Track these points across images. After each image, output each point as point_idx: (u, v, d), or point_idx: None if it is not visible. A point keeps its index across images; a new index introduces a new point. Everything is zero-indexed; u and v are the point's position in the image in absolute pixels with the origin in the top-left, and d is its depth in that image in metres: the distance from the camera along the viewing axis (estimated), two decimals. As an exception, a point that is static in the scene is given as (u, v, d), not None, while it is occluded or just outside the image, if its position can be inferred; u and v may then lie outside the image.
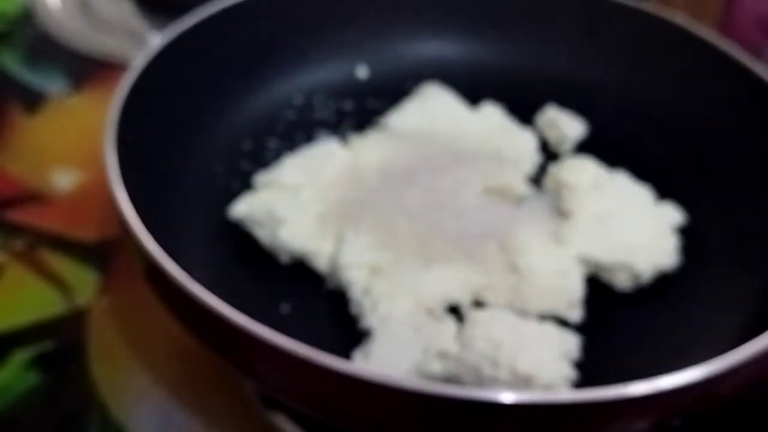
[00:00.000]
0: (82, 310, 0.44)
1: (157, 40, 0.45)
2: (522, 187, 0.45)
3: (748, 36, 0.50)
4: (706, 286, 0.41)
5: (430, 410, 0.31)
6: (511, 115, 0.49)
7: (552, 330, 0.39)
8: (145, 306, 0.39)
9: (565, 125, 0.49)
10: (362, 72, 0.52)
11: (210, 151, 0.46)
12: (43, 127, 0.55)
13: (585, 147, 0.49)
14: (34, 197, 0.50)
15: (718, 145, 0.46)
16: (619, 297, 0.42)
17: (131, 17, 0.62)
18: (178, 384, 0.41)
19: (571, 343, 0.38)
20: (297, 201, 0.43)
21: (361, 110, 0.50)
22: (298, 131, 0.49)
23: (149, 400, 0.41)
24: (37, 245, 0.47)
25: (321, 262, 0.41)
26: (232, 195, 0.44)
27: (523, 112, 0.50)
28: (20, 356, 0.42)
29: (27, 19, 0.63)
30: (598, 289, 0.41)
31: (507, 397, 0.30)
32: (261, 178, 0.45)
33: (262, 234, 0.42)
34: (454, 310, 0.40)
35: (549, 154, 0.49)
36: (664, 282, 0.42)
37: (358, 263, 0.40)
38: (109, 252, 0.47)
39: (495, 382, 0.36)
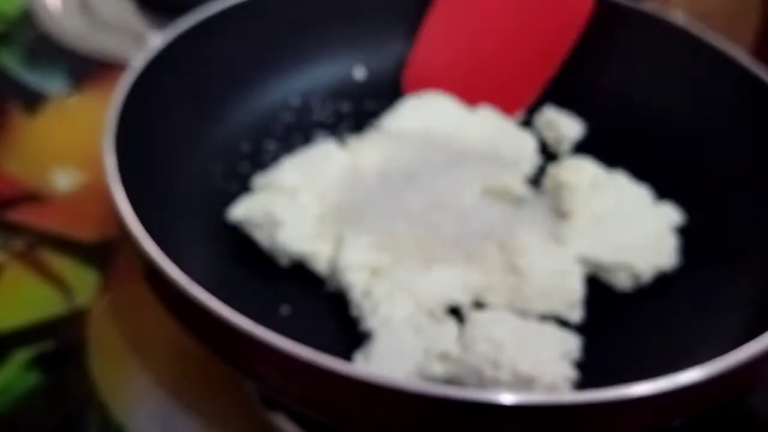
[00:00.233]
0: (82, 310, 0.44)
1: (157, 40, 0.45)
2: (521, 188, 0.45)
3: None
4: (705, 286, 0.41)
5: (431, 412, 0.31)
6: (510, 116, 0.49)
7: (552, 330, 0.39)
8: (145, 306, 0.39)
9: (564, 126, 0.49)
10: (359, 73, 0.52)
11: (208, 152, 0.46)
12: (43, 127, 0.55)
13: (583, 147, 0.49)
14: (34, 197, 0.50)
15: (718, 146, 0.46)
16: (619, 297, 0.42)
17: (131, 17, 0.62)
18: (178, 384, 0.41)
19: (571, 344, 0.38)
20: (295, 203, 0.43)
21: (358, 112, 0.50)
22: (296, 133, 0.49)
23: (149, 400, 0.41)
24: (37, 245, 0.47)
25: (320, 264, 0.41)
26: (231, 196, 0.44)
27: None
28: (20, 356, 0.42)
29: (27, 19, 0.62)
30: (598, 289, 0.41)
31: (507, 398, 0.30)
32: (259, 180, 0.44)
33: (261, 236, 0.42)
34: (455, 312, 0.40)
35: (548, 154, 0.49)
36: (663, 282, 0.42)
37: (357, 265, 0.40)
38: (109, 252, 0.47)
39: (496, 384, 0.36)
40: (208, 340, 0.35)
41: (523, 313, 0.40)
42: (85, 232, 0.48)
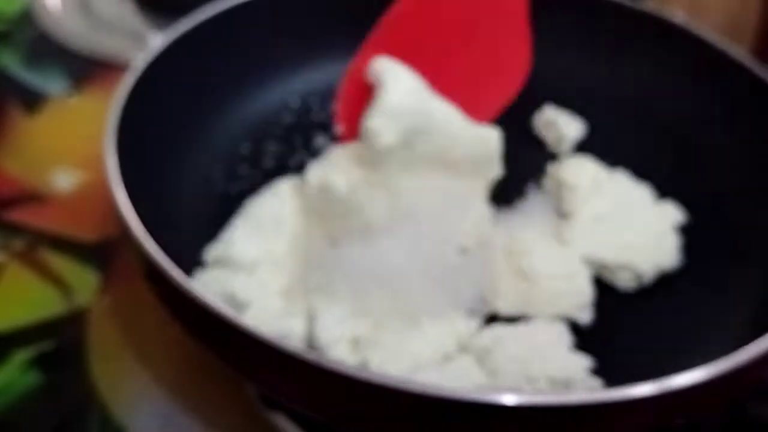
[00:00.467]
0: (82, 310, 0.44)
1: (157, 40, 0.45)
2: (484, 203, 0.43)
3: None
4: (707, 285, 0.41)
5: (432, 412, 0.31)
6: (510, 116, 0.49)
7: (546, 327, 0.39)
8: (145, 306, 0.39)
9: (564, 125, 0.49)
10: None
11: (209, 152, 0.46)
12: (43, 127, 0.55)
13: (584, 147, 0.49)
14: (34, 197, 0.50)
15: (719, 145, 0.46)
16: (621, 297, 0.42)
17: (131, 17, 0.62)
18: (178, 384, 0.41)
19: (563, 332, 0.38)
20: (255, 279, 0.39)
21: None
22: (295, 134, 0.49)
23: (149, 400, 0.41)
24: (37, 245, 0.47)
25: (295, 341, 0.37)
26: (231, 198, 0.44)
27: (522, 112, 0.50)
28: (20, 356, 0.42)
29: (27, 19, 0.62)
30: (600, 288, 0.41)
31: (509, 399, 0.30)
32: (212, 252, 0.41)
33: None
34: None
35: (548, 154, 0.49)
36: (665, 281, 0.42)
37: (338, 338, 0.37)
38: (109, 252, 0.47)
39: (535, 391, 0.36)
40: (207, 340, 0.35)
41: (532, 317, 0.39)
42: (85, 232, 0.48)
